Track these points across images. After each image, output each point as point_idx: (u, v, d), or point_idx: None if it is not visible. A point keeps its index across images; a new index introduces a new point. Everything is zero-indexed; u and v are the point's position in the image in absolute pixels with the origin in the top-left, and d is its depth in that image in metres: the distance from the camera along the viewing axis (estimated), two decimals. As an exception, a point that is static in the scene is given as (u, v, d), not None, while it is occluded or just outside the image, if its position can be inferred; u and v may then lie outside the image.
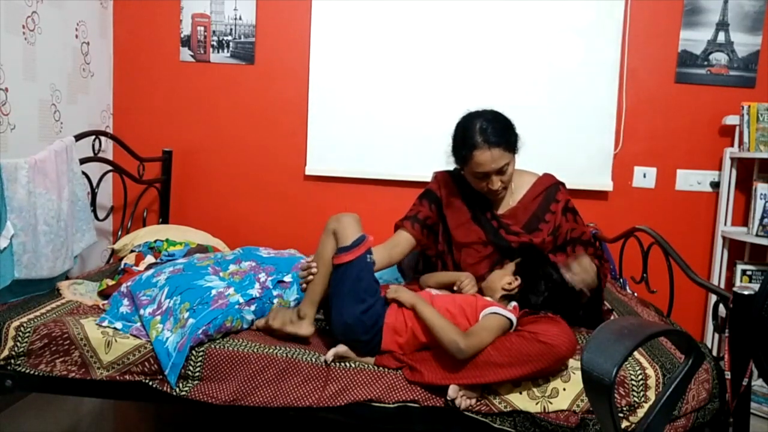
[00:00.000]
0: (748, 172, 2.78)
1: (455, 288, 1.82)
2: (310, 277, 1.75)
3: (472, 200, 1.94)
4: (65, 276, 2.19)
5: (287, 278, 2.02)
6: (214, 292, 1.81)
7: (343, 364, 1.66)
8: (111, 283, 2.09)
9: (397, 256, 1.92)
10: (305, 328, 1.73)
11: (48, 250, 1.99)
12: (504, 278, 1.74)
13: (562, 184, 1.95)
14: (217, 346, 1.68)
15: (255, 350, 1.68)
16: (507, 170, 1.81)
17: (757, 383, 2.53)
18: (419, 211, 1.97)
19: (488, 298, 1.74)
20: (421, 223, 1.95)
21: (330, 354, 1.65)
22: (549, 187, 1.93)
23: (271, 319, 1.76)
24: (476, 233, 1.91)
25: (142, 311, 1.81)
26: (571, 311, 1.72)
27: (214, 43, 2.98)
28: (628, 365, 1.61)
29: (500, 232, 1.88)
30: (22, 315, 1.78)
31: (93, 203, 2.43)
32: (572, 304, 1.73)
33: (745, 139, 2.64)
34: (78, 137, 2.28)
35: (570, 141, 2.84)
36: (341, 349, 1.66)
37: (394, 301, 1.71)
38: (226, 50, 2.98)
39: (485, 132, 1.76)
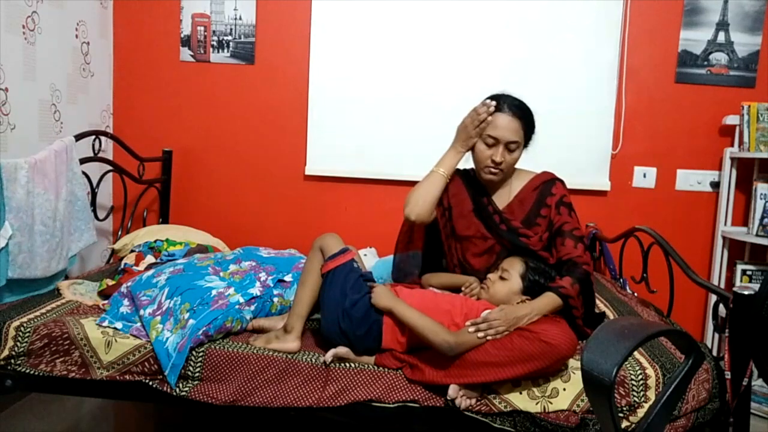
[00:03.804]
0: (748, 172, 2.78)
1: (463, 291, 1.82)
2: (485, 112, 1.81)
3: (475, 194, 1.95)
4: (65, 276, 2.19)
5: (288, 278, 2.02)
6: (214, 292, 1.81)
7: (343, 364, 1.66)
8: (111, 283, 2.09)
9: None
10: (291, 343, 1.71)
11: (43, 250, 1.99)
12: (515, 298, 1.72)
13: (560, 180, 1.95)
14: (217, 347, 1.68)
15: (255, 351, 1.68)
16: (514, 151, 1.84)
17: (757, 383, 2.53)
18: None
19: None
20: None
21: (329, 354, 1.65)
22: (546, 182, 1.93)
23: (253, 340, 1.75)
24: (476, 226, 1.92)
25: (142, 311, 1.81)
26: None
27: (214, 43, 2.98)
28: (628, 365, 1.61)
29: (501, 227, 1.89)
30: (22, 315, 1.78)
31: (93, 203, 2.43)
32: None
33: (745, 139, 2.64)
34: (78, 137, 2.28)
35: (569, 141, 2.84)
36: (341, 350, 1.66)
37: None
38: (226, 50, 2.98)
39: (513, 104, 1.85)
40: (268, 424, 2.27)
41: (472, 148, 1.89)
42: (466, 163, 2.04)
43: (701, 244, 2.89)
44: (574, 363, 1.63)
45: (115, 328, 1.76)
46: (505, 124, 1.81)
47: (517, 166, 1.94)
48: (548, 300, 1.68)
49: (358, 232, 2.90)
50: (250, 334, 1.82)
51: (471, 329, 1.59)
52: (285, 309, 1.94)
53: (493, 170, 1.85)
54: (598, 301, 2.11)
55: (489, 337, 1.59)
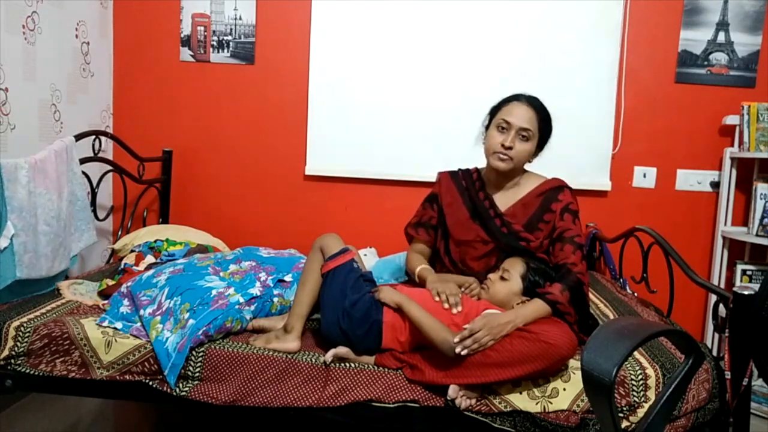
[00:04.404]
0: (748, 172, 2.78)
1: (464, 291, 1.82)
2: None
3: (473, 199, 1.95)
4: (65, 276, 2.19)
5: (288, 278, 2.02)
6: (214, 292, 1.81)
7: (343, 364, 1.66)
8: (111, 283, 2.09)
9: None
10: (291, 343, 1.71)
11: (48, 250, 1.99)
12: (515, 299, 1.73)
13: (569, 188, 1.94)
14: (217, 347, 1.68)
15: (255, 351, 1.68)
16: (526, 141, 1.86)
17: (757, 383, 2.53)
18: (424, 215, 2.03)
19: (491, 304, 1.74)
20: (426, 226, 2.01)
21: (329, 354, 1.65)
22: (553, 188, 1.92)
23: (253, 340, 1.75)
24: (475, 231, 1.92)
25: (142, 311, 1.81)
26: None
27: (214, 43, 2.98)
28: (628, 365, 1.61)
29: (502, 230, 1.88)
30: (22, 315, 1.78)
31: (93, 203, 2.43)
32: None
33: (745, 139, 2.64)
34: (78, 137, 2.28)
35: (569, 141, 2.82)
36: (342, 350, 1.66)
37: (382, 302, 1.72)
38: (226, 50, 2.98)
39: (530, 97, 1.90)
40: (268, 424, 2.27)
41: (485, 137, 1.93)
42: (466, 163, 2.05)
43: (701, 244, 2.89)
44: (574, 363, 1.63)
45: (115, 328, 1.76)
46: (521, 112, 1.85)
47: (530, 169, 1.95)
48: (535, 307, 1.66)
49: (358, 232, 2.90)
50: (250, 334, 1.82)
51: (458, 349, 1.54)
52: (285, 309, 1.94)
53: (501, 156, 1.86)
54: (595, 306, 2.11)
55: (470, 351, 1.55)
